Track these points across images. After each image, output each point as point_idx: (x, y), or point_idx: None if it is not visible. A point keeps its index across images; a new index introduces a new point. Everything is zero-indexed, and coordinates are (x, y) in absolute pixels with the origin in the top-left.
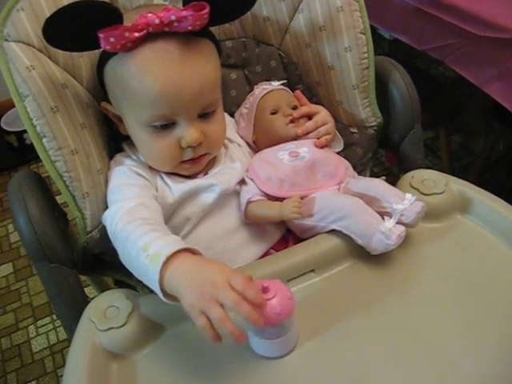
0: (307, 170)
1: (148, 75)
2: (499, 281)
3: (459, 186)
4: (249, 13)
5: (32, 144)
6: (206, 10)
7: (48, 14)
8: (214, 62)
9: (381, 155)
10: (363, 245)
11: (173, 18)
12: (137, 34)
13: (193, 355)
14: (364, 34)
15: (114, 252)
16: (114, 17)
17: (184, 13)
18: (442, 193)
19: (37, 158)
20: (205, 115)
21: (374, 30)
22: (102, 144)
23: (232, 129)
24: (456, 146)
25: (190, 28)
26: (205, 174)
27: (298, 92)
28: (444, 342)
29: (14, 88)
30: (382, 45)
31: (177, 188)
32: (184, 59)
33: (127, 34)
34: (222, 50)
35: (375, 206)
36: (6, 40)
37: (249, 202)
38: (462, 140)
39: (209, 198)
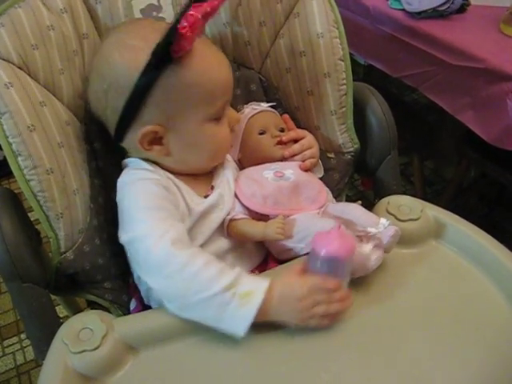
0: (291, 191)
1: (214, 66)
2: (473, 306)
3: (435, 213)
4: (229, 36)
5: (5, 160)
6: None
7: (29, 31)
8: None
9: (354, 179)
10: None
11: (208, 9)
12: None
13: (167, 379)
14: (343, 60)
15: (87, 273)
16: None
17: (216, 2)
18: (417, 219)
19: (9, 174)
20: None
21: (349, 56)
22: (80, 163)
23: None
24: (428, 172)
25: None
26: (211, 189)
27: (285, 116)
28: (417, 366)
29: None
30: (356, 70)
31: (195, 209)
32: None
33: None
34: None
35: (351, 230)
36: None
37: (232, 220)
38: (435, 166)
39: (217, 218)
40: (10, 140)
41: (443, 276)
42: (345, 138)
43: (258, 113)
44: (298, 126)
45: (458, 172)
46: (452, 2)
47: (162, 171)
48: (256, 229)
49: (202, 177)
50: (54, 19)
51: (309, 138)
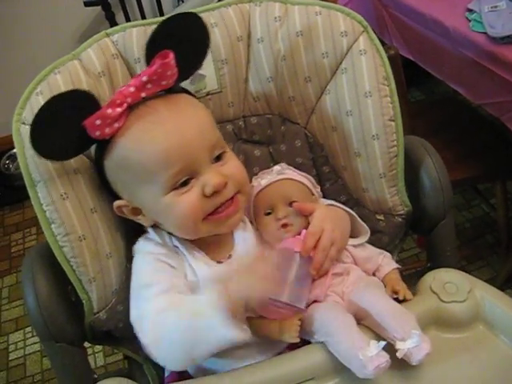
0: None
1: (146, 142)
2: None
3: (486, 294)
4: (274, 90)
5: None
6: (171, 56)
7: None
8: (200, 105)
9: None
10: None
11: (144, 78)
12: (119, 109)
13: None
14: (394, 120)
15: (121, 330)
16: (92, 103)
17: (153, 68)
18: (463, 301)
19: (23, 200)
20: (218, 158)
21: None
22: (114, 225)
23: None
24: None
25: (163, 83)
26: (228, 258)
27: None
28: None
29: (27, 172)
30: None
31: (201, 272)
32: (173, 112)
33: (110, 111)
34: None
35: (377, 331)
36: (24, 123)
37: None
38: None
39: None
40: (44, 208)
41: (488, 369)
42: (395, 200)
43: (265, 188)
44: (345, 185)
45: None
46: None
47: (168, 239)
48: (271, 330)
49: (218, 238)
50: (92, 83)
51: (318, 216)
